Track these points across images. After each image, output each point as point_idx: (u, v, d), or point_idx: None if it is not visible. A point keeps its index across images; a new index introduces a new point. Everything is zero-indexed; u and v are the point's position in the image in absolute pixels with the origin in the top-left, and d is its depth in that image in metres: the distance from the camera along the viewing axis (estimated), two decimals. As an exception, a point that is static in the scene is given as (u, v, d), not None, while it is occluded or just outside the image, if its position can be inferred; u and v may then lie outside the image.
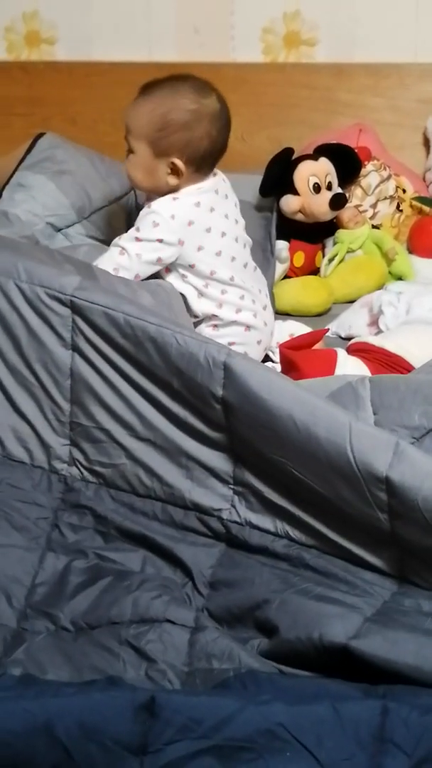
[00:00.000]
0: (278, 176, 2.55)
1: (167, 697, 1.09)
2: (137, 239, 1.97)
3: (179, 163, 1.97)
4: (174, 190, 2.01)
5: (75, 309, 1.49)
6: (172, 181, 2.00)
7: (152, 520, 1.44)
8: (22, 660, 1.25)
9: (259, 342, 2.08)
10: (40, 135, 2.46)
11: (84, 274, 1.61)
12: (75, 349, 1.50)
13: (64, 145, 2.43)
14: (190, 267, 2.00)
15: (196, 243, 1.99)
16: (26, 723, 1.06)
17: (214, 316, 2.04)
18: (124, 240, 1.99)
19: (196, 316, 2.04)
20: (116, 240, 2.01)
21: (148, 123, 1.96)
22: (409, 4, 2.98)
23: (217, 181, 2.06)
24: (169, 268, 2.02)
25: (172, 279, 2.02)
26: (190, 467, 1.44)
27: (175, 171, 1.99)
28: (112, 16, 3.15)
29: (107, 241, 2.30)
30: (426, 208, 2.81)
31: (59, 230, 2.29)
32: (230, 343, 2.00)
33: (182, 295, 2.01)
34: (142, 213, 2.02)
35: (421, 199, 2.81)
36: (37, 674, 1.22)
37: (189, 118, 1.97)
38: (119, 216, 2.39)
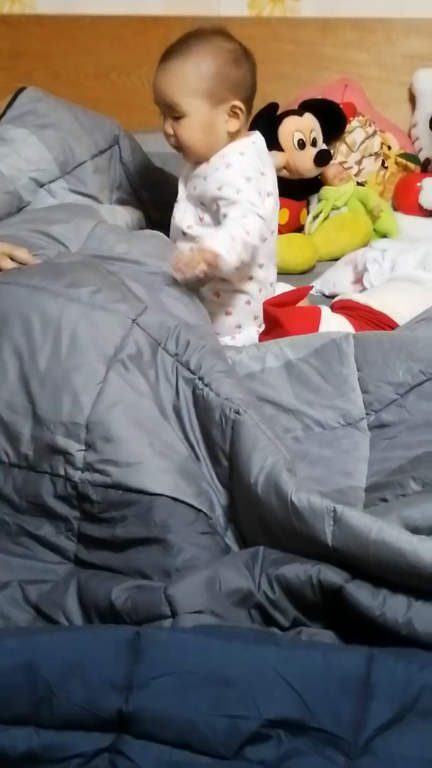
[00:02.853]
0: (263, 132, 2.53)
1: (153, 633, 1.10)
2: (248, 194, 1.91)
3: (239, 103, 1.96)
4: (232, 138, 1.98)
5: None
6: (233, 126, 1.97)
7: None
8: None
9: (255, 318, 2.04)
10: (22, 89, 2.42)
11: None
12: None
13: (47, 99, 2.40)
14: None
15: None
16: (9, 661, 1.07)
17: (223, 280, 1.99)
18: (245, 202, 1.90)
19: (223, 280, 1.98)
20: (243, 206, 1.90)
21: (198, 77, 1.93)
22: (396, -43, 2.95)
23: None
24: None
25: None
26: None
27: (234, 114, 1.97)
28: (95, -32, 3.11)
29: (92, 196, 2.29)
30: (411, 165, 2.80)
31: (42, 185, 2.26)
32: (227, 313, 2.01)
33: None
34: (222, 176, 1.93)
35: (407, 156, 2.80)
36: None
37: (235, 57, 1.96)
38: (103, 170, 2.36)
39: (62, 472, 1.44)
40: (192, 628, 1.15)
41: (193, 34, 1.98)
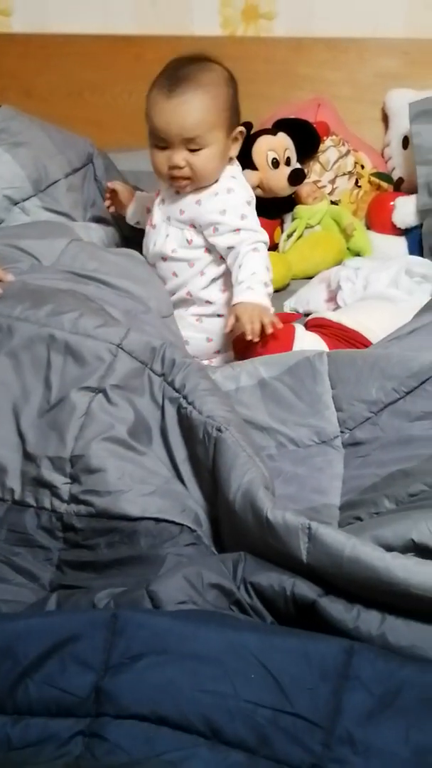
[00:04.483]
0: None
1: (130, 614, 1.10)
2: (252, 220, 1.98)
3: (242, 128, 1.99)
4: (230, 162, 2.01)
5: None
6: (235, 151, 2.00)
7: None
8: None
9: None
10: (-5, 107, 2.43)
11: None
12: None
13: (20, 117, 2.40)
14: (229, 249, 1.98)
15: None
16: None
17: (208, 303, 2.03)
18: (250, 231, 1.96)
19: (208, 302, 2.02)
20: (250, 240, 1.95)
21: (219, 109, 1.91)
22: (368, -22, 2.97)
23: None
24: (211, 250, 2.00)
25: (212, 258, 2.01)
26: None
27: (236, 139, 1.99)
28: (68, -13, 3.11)
29: (65, 213, 2.29)
30: (384, 184, 2.82)
31: (16, 203, 2.26)
32: (208, 339, 2.04)
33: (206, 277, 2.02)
34: (224, 201, 1.97)
35: (380, 175, 2.82)
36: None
37: (235, 83, 1.97)
38: (77, 188, 2.37)
39: (48, 506, 1.46)
40: (169, 611, 1.16)
41: (191, 62, 1.94)
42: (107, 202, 2.28)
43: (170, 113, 1.89)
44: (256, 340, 1.84)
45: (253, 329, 1.83)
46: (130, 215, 2.24)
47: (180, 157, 1.92)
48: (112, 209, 2.27)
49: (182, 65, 1.93)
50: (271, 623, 1.20)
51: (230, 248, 1.95)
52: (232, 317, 1.87)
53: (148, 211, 2.13)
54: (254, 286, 1.88)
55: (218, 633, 1.07)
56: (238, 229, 1.94)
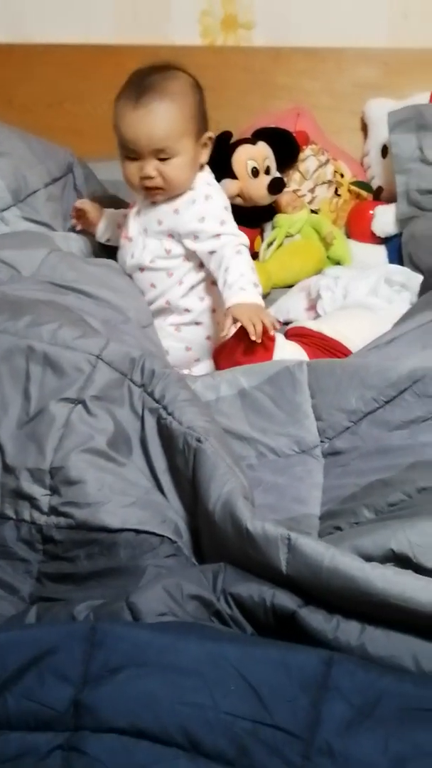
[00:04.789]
0: (216, 160, 2.55)
1: (109, 626, 1.09)
2: (231, 225, 1.98)
3: (210, 133, 2.00)
4: (201, 169, 2.01)
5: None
6: (205, 157, 2.01)
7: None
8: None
9: (208, 337, 2.06)
10: (-25, 117, 2.43)
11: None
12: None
13: (-1, 127, 2.40)
14: (211, 253, 1.97)
15: None
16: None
17: (187, 311, 2.03)
18: (230, 236, 1.96)
19: (187, 310, 2.03)
20: (232, 244, 1.95)
21: (186, 117, 1.92)
22: (347, -12, 2.99)
23: None
24: (189, 258, 2.00)
25: (191, 266, 2.01)
26: None
27: (205, 145, 2.00)
28: (49, -4, 3.12)
29: (45, 223, 2.29)
30: (364, 193, 2.83)
31: (-5, 213, 2.26)
32: (187, 348, 2.05)
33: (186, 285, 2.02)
34: (203, 209, 1.97)
35: (359, 184, 2.83)
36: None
37: (200, 89, 1.98)
38: (57, 197, 2.37)
39: (27, 518, 1.45)
40: (149, 623, 1.15)
41: (157, 72, 1.94)
42: (73, 221, 2.29)
43: (138, 124, 1.89)
44: (259, 341, 1.82)
45: (256, 330, 1.81)
46: (100, 233, 2.24)
47: (151, 167, 1.92)
48: (78, 227, 2.28)
49: (146, 75, 1.93)
50: (252, 634, 1.20)
51: (212, 253, 1.94)
52: (230, 319, 1.85)
53: (119, 227, 2.13)
54: (246, 287, 1.88)
55: (198, 644, 1.07)
56: (219, 234, 1.95)
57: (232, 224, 1.98)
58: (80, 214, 2.26)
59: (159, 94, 1.90)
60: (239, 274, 1.89)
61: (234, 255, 1.92)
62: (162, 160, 1.92)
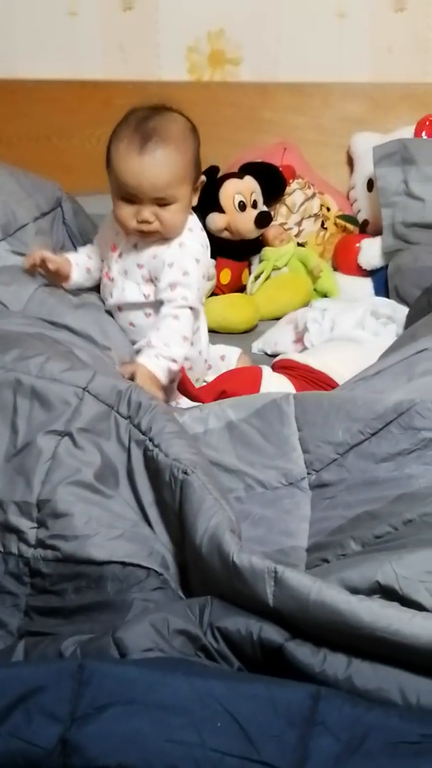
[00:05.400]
0: (204, 194, 2.57)
1: (96, 664, 1.09)
2: (193, 278, 1.95)
3: (203, 177, 2.00)
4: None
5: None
6: (195, 201, 2.00)
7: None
8: None
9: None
10: (-37, 152, 2.44)
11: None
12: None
13: (-13, 163, 2.42)
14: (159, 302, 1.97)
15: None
16: None
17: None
18: (184, 290, 1.93)
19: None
20: (176, 304, 1.93)
21: (186, 164, 1.91)
22: (332, 24, 3.02)
23: None
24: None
25: None
26: None
27: (197, 189, 1.99)
28: (36, 33, 3.14)
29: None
30: (350, 226, 2.85)
31: (-17, 248, 2.27)
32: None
33: None
34: (173, 254, 1.95)
35: (346, 218, 2.85)
36: None
37: (197, 134, 1.97)
38: (46, 231, 2.38)
39: (15, 551, 1.44)
40: (136, 660, 1.15)
41: (157, 114, 1.93)
42: (39, 270, 2.11)
43: (143, 172, 1.88)
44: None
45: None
46: (73, 284, 2.12)
47: (149, 212, 1.91)
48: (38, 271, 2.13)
49: (147, 118, 1.91)
50: (238, 668, 1.20)
51: (160, 302, 1.94)
52: (129, 370, 1.86)
53: (88, 271, 2.12)
54: (160, 359, 1.88)
55: (185, 681, 1.06)
56: (175, 285, 1.93)
57: (194, 277, 1.95)
58: (48, 271, 2.09)
59: (164, 141, 1.88)
60: (164, 343, 1.89)
61: (169, 318, 1.91)
62: (161, 205, 1.91)
